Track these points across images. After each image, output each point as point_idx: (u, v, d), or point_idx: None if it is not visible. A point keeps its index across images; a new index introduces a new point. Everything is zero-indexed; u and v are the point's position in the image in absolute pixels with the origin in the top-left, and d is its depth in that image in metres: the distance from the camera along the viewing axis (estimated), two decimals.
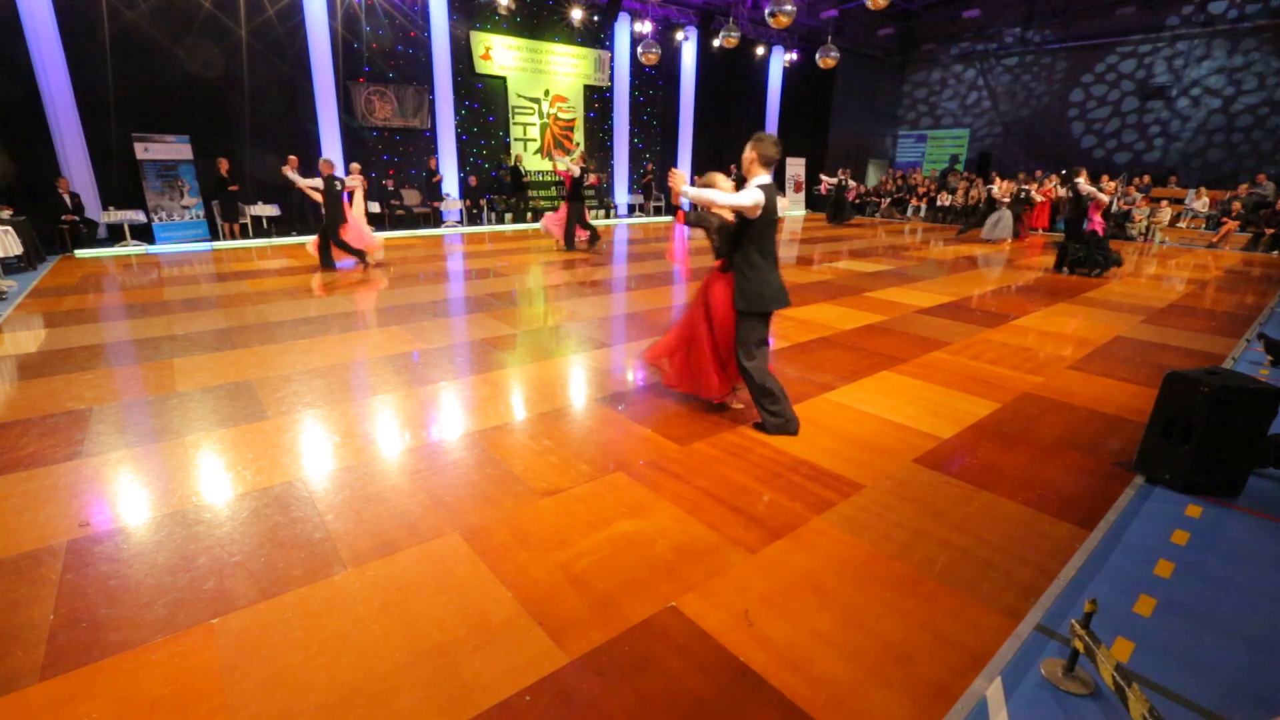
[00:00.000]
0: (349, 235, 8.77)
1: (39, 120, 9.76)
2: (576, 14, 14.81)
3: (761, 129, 20.51)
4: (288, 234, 12.07)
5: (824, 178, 17.77)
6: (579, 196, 10.77)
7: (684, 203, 3.63)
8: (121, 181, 10.61)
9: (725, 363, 3.85)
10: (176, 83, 10.89)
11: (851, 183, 17.87)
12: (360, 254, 8.94)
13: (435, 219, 14.24)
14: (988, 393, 4.43)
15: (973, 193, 17.66)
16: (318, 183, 8.43)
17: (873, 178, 23.59)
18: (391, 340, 5.47)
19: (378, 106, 13.32)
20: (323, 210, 8.57)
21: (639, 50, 14.10)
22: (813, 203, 21.21)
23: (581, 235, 11.12)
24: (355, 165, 9.58)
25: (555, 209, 16.20)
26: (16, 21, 9.37)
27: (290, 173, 8.80)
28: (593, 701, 1.85)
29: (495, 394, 4.31)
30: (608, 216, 16.91)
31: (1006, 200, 14.35)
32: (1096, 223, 9.16)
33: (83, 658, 1.97)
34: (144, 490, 2.98)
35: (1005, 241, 13.84)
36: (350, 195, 8.83)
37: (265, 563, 2.44)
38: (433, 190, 14.10)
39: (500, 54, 14.83)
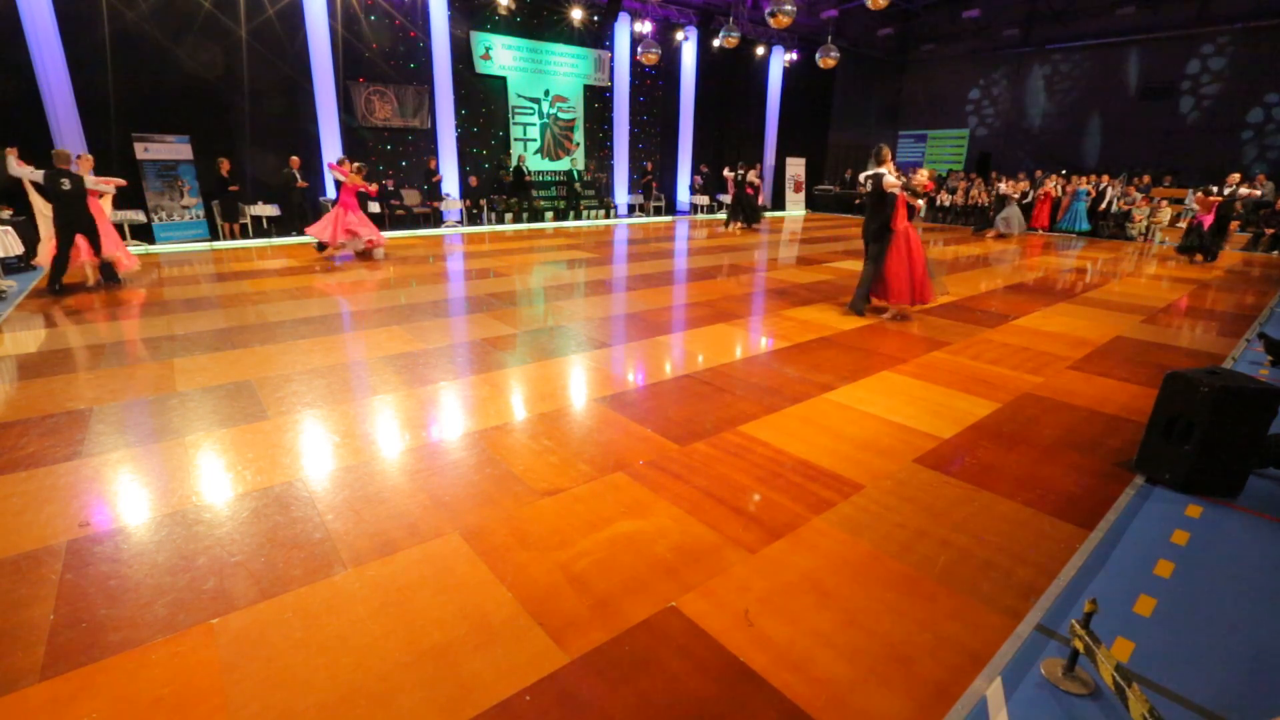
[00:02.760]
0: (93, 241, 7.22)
1: (39, 120, 9.76)
2: (576, 14, 14.81)
3: (761, 129, 20.56)
4: (288, 234, 12.07)
5: (726, 173, 15.64)
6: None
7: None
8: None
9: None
10: (176, 83, 10.89)
11: (755, 179, 15.65)
12: (110, 269, 7.48)
13: (435, 219, 14.24)
14: (988, 393, 4.43)
15: (972, 192, 17.66)
16: (38, 175, 6.84)
17: None
18: (392, 340, 5.47)
19: (378, 106, 13.32)
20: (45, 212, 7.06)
21: (639, 50, 14.11)
22: (812, 202, 21.23)
23: (341, 239, 9.63)
24: (87, 157, 7.50)
25: (560, 207, 16.33)
26: (16, 21, 9.36)
27: (14, 161, 7.04)
28: (593, 701, 1.85)
29: (495, 394, 4.31)
30: (608, 216, 16.91)
31: (1015, 196, 14.78)
32: (1207, 220, 10.96)
33: (83, 658, 1.97)
34: (144, 490, 2.98)
35: (1013, 236, 14.48)
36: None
37: (265, 563, 2.44)
38: (433, 190, 14.10)
39: (500, 54, 14.83)
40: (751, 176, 15.38)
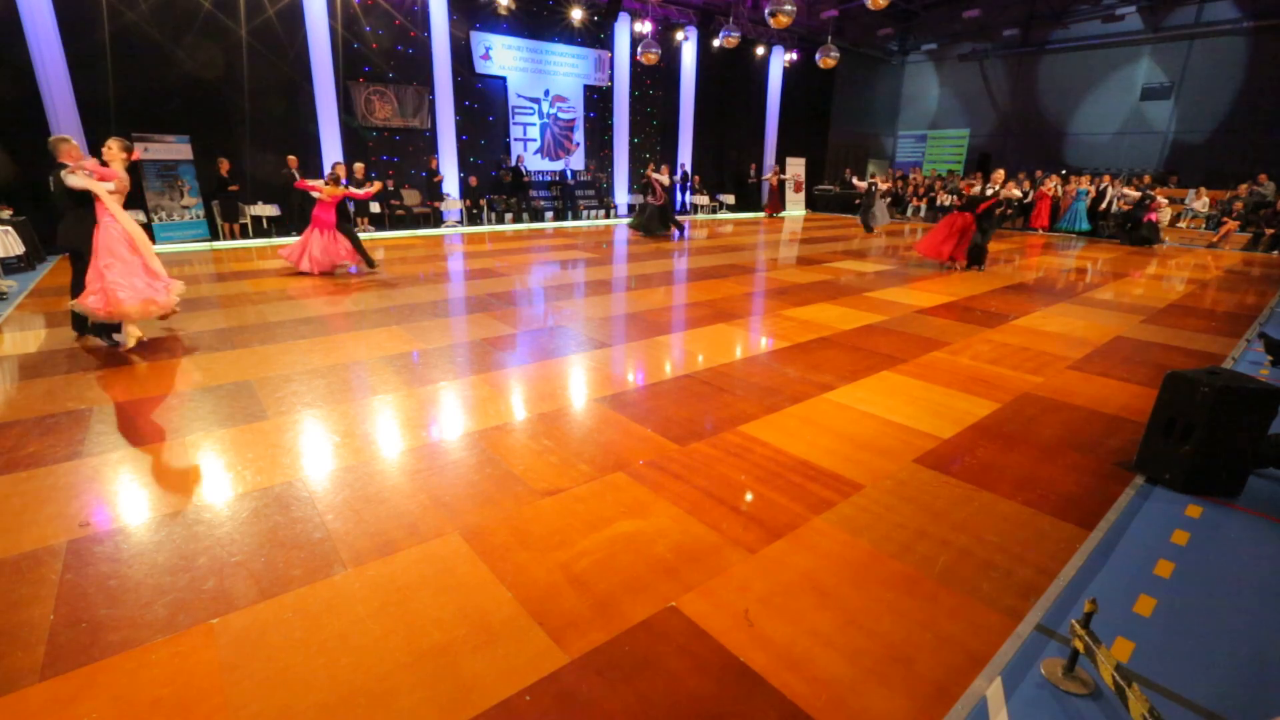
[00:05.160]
0: (114, 269, 4.93)
1: (39, 120, 9.76)
2: (576, 14, 14.81)
3: (761, 129, 20.58)
4: (288, 234, 12.06)
5: (654, 176, 13.25)
6: (347, 216, 8.64)
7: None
8: None
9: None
10: (176, 83, 10.89)
11: (662, 178, 13.09)
12: (104, 328, 5.15)
13: (435, 219, 14.24)
14: (988, 393, 4.43)
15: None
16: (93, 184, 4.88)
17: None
18: (391, 340, 5.47)
19: (378, 106, 13.32)
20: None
21: (639, 50, 14.09)
22: (812, 203, 21.23)
23: (348, 259, 8.50)
24: (110, 144, 5.15)
25: (560, 207, 16.23)
26: (16, 21, 9.36)
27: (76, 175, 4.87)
28: (593, 701, 1.85)
29: (495, 394, 4.31)
30: (608, 216, 16.92)
31: (885, 188, 16.06)
32: (1153, 216, 13.26)
33: (83, 658, 1.97)
34: (144, 490, 2.98)
35: (878, 228, 15.20)
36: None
37: (265, 563, 2.44)
38: (433, 190, 14.10)
39: (500, 54, 14.83)
40: (660, 177, 13.17)
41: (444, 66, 13.86)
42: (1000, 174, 9.88)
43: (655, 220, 13.26)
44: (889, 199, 16.75)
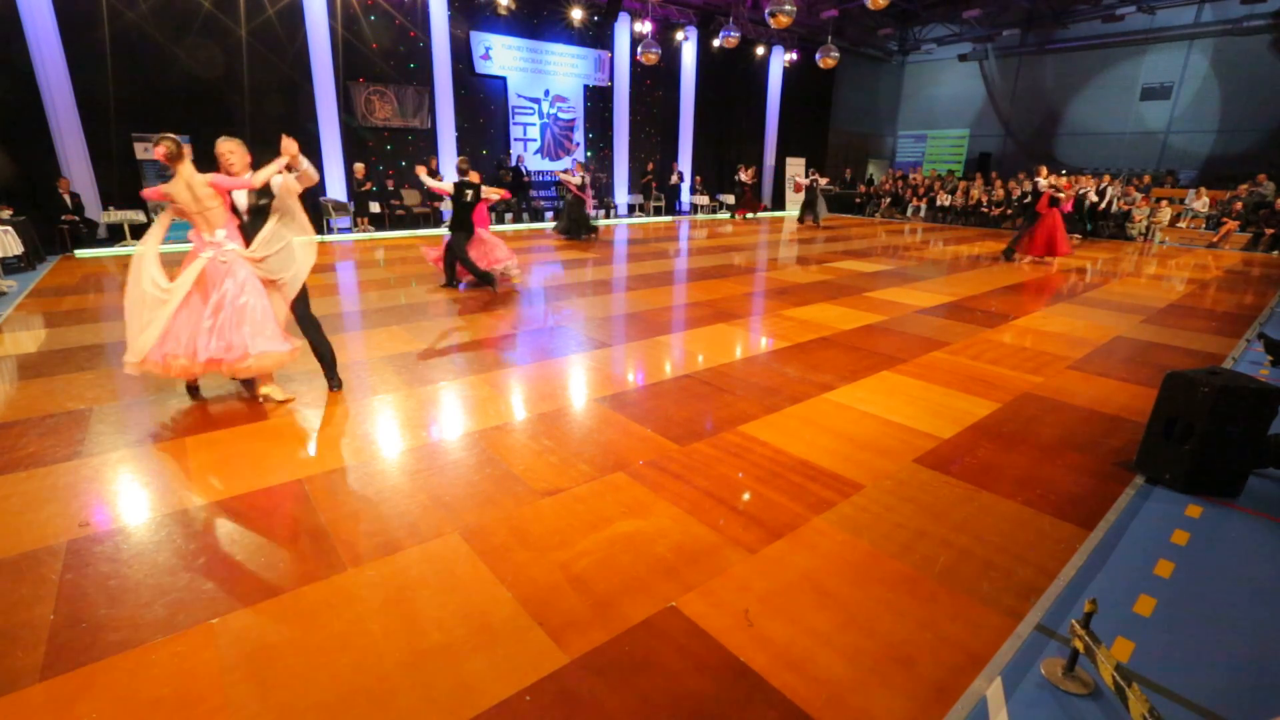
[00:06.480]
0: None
1: (39, 120, 9.76)
2: (576, 14, 14.81)
3: (761, 129, 20.57)
4: None
5: (563, 175, 12.66)
6: (464, 223, 7.29)
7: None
8: (122, 181, 10.59)
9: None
10: (176, 83, 10.89)
11: (571, 175, 12.38)
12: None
13: (435, 219, 14.23)
14: (988, 393, 4.43)
15: (972, 192, 17.68)
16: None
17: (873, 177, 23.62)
18: (391, 340, 5.47)
19: (378, 106, 13.31)
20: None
21: (639, 50, 14.09)
22: None
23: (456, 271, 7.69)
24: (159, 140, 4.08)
25: (560, 207, 16.19)
26: (16, 21, 9.36)
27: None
28: (593, 701, 1.85)
29: (495, 394, 4.31)
30: (608, 216, 16.91)
31: (824, 183, 17.15)
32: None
33: (83, 658, 1.97)
34: (144, 490, 2.98)
35: (807, 221, 16.56)
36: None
37: (265, 563, 2.44)
38: (432, 191, 14.08)
39: (500, 54, 14.82)
40: (570, 177, 12.39)
41: (444, 66, 13.85)
42: (1044, 170, 10.58)
43: (575, 222, 12.52)
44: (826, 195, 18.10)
